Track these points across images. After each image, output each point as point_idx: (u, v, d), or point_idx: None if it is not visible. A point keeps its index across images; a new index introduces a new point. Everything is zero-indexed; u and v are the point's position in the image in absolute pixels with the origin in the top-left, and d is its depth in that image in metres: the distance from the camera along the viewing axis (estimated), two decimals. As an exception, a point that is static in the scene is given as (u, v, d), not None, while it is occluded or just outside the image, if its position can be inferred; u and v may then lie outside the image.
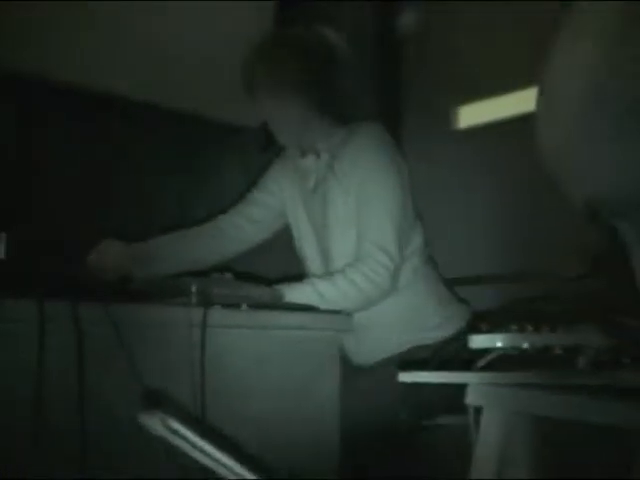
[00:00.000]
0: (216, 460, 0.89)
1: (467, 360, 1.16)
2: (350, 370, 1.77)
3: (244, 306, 1.42)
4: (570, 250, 1.99)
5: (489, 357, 1.07)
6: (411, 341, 1.79)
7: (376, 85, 2.70)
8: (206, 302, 1.35)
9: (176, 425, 0.91)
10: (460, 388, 1.12)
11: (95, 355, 1.22)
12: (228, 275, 1.64)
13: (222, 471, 0.89)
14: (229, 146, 2.58)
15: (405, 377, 1.17)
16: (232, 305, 1.40)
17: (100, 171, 2.27)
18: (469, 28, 2.56)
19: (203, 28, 2.40)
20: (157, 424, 0.91)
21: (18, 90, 2.06)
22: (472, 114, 2.59)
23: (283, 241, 2.04)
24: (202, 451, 0.90)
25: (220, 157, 2.55)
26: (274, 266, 2.04)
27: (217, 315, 1.35)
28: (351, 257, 1.74)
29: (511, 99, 2.45)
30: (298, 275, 1.84)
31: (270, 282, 1.62)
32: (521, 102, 2.40)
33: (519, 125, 2.29)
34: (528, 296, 1.39)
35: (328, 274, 1.74)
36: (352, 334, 1.66)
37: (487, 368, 1.09)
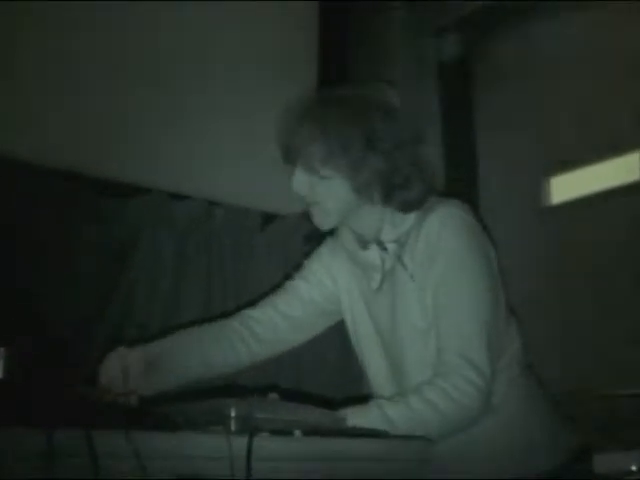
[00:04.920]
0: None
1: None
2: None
3: (297, 433, 1.42)
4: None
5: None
6: (512, 472, 1.76)
7: (446, 152, 2.79)
8: (250, 429, 1.36)
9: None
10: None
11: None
12: (274, 395, 1.66)
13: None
14: (267, 235, 2.68)
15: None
16: (282, 432, 1.41)
17: (109, 265, 2.38)
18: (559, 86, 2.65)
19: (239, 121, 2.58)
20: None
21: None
22: (566, 187, 2.62)
23: (340, 350, 2.06)
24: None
25: (257, 247, 2.64)
26: (331, 382, 2.05)
27: (264, 444, 1.36)
28: (429, 370, 1.72)
29: (607, 168, 2.49)
30: (362, 396, 1.83)
31: (328, 403, 1.62)
32: (621, 171, 2.43)
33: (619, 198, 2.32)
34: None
35: (400, 394, 1.72)
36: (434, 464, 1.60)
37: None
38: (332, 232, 2.06)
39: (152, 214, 2.52)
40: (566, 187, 2.63)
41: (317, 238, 2.67)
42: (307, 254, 2.16)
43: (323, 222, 1.87)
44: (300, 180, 1.83)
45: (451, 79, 2.97)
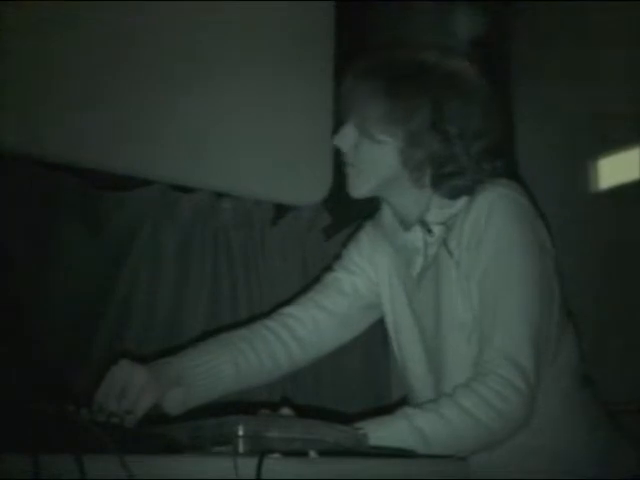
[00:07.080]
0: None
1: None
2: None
3: (313, 453, 1.41)
4: None
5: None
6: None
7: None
8: (260, 449, 1.35)
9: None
10: None
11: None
12: (286, 411, 1.65)
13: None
14: (280, 229, 2.67)
15: None
16: (296, 453, 1.40)
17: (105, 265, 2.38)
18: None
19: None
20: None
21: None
22: (615, 169, 2.60)
23: (365, 357, 2.05)
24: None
25: (269, 243, 2.63)
26: (354, 395, 2.04)
27: (275, 467, 1.34)
28: (471, 373, 1.68)
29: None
30: (396, 402, 1.81)
31: (350, 418, 1.60)
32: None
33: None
34: None
35: (433, 400, 1.69)
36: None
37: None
38: (371, 216, 2.06)
39: (153, 208, 2.52)
40: (615, 170, 2.61)
41: (338, 232, 2.66)
42: (344, 244, 2.15)
43: (356, 188, 1.86)
44: (346, 135, 1.84)
45: (486, 53, 2.94)
